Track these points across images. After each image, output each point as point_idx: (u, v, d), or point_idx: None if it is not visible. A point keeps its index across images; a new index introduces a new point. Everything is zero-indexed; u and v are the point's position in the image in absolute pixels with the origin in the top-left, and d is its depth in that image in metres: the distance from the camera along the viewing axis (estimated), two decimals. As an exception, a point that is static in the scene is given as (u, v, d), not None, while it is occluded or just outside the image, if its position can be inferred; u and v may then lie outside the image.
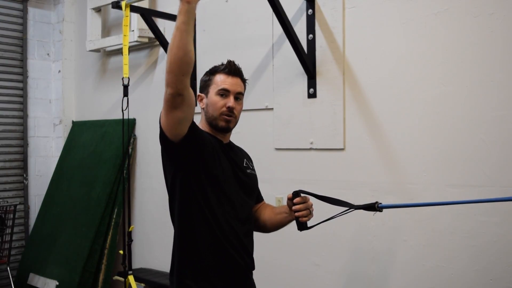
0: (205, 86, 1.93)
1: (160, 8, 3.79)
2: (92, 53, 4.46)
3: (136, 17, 3.69)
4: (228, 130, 1.92)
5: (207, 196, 1.79)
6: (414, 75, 2.46)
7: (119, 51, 4.06)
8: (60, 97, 4.71)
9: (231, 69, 1.90)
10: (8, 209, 4.12)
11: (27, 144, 4.63)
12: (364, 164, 2.63)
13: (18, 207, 4.23)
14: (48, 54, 4.77)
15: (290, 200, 1.87)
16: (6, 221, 4.10)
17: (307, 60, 2.79)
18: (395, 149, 2.53)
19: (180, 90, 1.60)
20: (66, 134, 4.65)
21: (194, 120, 1.76)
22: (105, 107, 4.35)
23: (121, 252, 3.02)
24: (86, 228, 3.92)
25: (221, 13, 3.35)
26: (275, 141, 3.03)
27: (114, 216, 3.93)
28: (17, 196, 4.52)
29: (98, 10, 4.30)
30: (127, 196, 3.88)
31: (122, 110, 2.80)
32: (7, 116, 4.52)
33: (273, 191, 2.95)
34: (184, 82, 1.59)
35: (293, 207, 1.85)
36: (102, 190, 3.96)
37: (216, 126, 1.89)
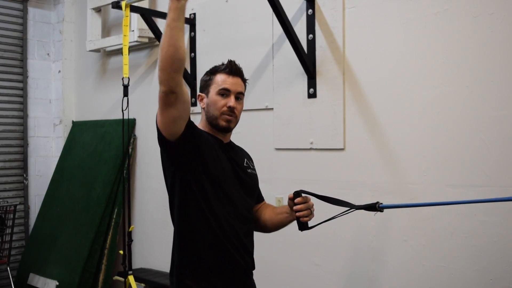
0: (206, 86, 1.93)
1: (160, 8, 3.78)
2: (92, 53, 4.46)
3: (136, 17, 3.69)
4: (228, 129, 1.92)
5: (207, 196, 1.79)
6: (414, 75, 2.46)
7: (119, 51, 4.06)
8: (60, 97, 4.70)
9: (232, 69, 1.90)
10: (8, 209, 4.12)
11: (27, 144, 4.63)
12: (364, 164, 2.63)
13: (18, 207, 4.22)
14: (48, 54, 4.77)
15: (291, 200, 1.87)
16: (6, 221, 4.10)
17: (307, 60, 2.79)
18: (395, 149, 2.53)
19: (173, 88, 1.59)
20: (66, 134, 4.64)
21: (194, 120, 1.76)
22: (105, 107, 4.35)
23: (121, 252, 3.02)
24: (86, 228, 3.92)
25: (221, 13, 3.35)
26: (275, 141, 3.03)
27: (114, 216, 3.93)
28: (17, 196, 4.52)
29: (98, 10, 4.29)
30: (127, 196, 3.87)
31: (122, 110, 2.80)
32: (7, 116, 4.52)
33: (273, 191, 2.95)
34: (176, 79, 1.59)
35: (294, 207, 1.85)
36: (102, 190, 3.96)
37: (217, 126, 1.89)
